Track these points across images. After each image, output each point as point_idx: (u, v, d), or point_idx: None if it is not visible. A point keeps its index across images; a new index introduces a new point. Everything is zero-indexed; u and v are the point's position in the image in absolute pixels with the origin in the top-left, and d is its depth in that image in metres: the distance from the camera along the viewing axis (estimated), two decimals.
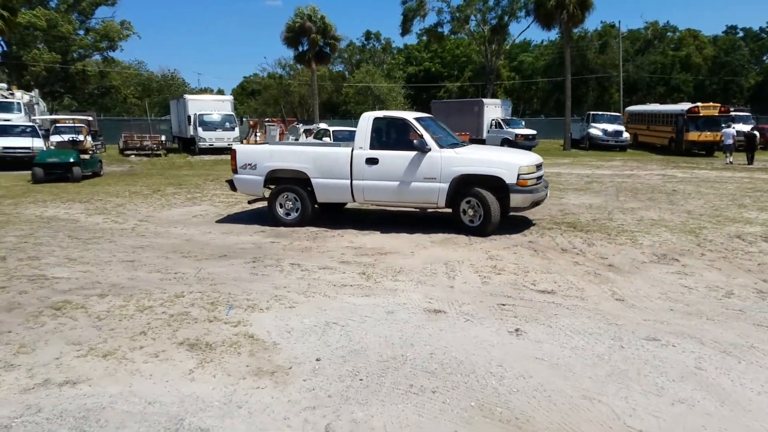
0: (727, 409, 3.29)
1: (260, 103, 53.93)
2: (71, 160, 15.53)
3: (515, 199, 8.10)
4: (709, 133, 25.57)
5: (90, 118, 22.67)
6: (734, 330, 4.51)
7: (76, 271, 6.30)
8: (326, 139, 19.65)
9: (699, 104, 27.13)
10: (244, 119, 37.05)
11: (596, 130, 30.46)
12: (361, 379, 3.66)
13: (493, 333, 4.46)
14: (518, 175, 8.07)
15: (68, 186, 14.59)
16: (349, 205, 10.28)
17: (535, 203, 8.49)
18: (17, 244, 7.69)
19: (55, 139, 17.95)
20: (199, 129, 26.02)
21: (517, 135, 29.74)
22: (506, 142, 29.99)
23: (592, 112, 33.40)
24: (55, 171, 15.40)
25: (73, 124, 19.77)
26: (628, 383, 3.63)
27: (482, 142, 31.40)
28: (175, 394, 3.48)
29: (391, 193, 8.62)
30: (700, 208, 10.66)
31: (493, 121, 31.70)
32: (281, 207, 9.10)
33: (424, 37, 53.68)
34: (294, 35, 35.11)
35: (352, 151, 8.70)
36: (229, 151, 27.36)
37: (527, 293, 5.50)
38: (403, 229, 8.70)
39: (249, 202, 10.07)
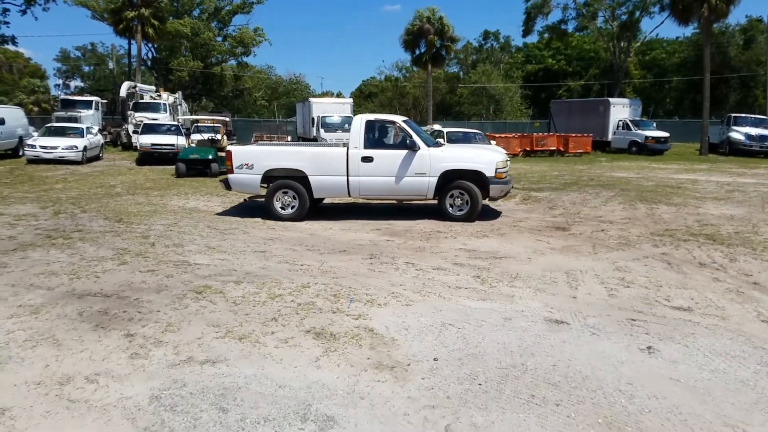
0: None
1: (376, 106, 55.24)
2: (210, 157, 16.97)
3: (494, 190, 9.57)
4: None
5: (227, 119, 24.59)
6: None
7: (214, 258, 6.89)
8: (440, 141, 19.64)
9: None
10: None
11: (738, 134, 27.55)
12: (480, 384, 3.64)
13: (622, 349, 4.22)
14: (496, 169, 9.49)
15: (207, 180, 15.93)
16: (327, 200, 11.48)
17: (507, 192, 10.06)
18: (164, 231, 8.55)
19: (195, 137, 19.64)
20: (321, 130, 27.21)
21: (647, 137, 27.77)
22: (635, 145, 28.14)
23: (733, 115, 30.20)
24: (196, 166, 16.93)
25: (211, 124, 21.55)
26: None
27: (607, 144, 29.71)
28: (303, 380, 3.69)
29: (386, 188, 9.62)
30: None
31: (621, 122, 29.77)
32: (279, 202, 9.67)
33: (546, 35, 51.82)
34: (412, 38, 35.52)
35: (348, 150, 9.51)
36: None
37: (660, 309, 5.13)
38: (517, 233, 8.51)
39: (245, 200, 10.75)
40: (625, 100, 33.24)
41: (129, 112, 26.78)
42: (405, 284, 5.82)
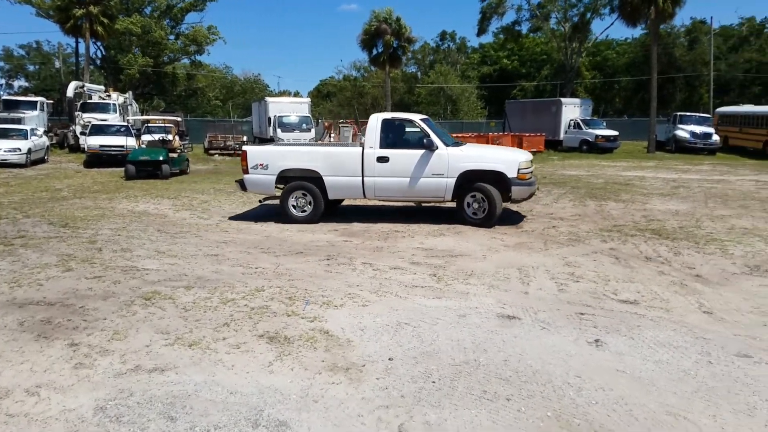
0: None
1: (335, 105, 55.06)
2: (161, 158, 16.53)
3: (516, 192, 8.94)
4: None
5: (179, 119, 24.00)
6: None
7: (164, 263, 6.71)
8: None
9: None
10: (319, 121, 38.02)
11: (683, 132, 28.73)
12: (434, 382, 3.67)
13: (571, 342, 4.33)
14: (518, 169, 8.87)
15: (157, 183, 15.53)
16: (345, 202, 10.99)
17: (531, 195, 9.40)
18: (111, 236, 8.28)
19: (146, 138, 19.13)
20: (278, 130, 26.92)
21: (597, 136, 28.64)
22: (585, 144, 28.95)
23: (679, 113, 31.48)
24: (146, 168, 16.46)
25: (162, 124, 21.02)
26: (717, 401, 3.41)
27: (559, 143, 30.45)
28: (255, 386, 3.63)
29: (402, 189, 9.22)
30: None
31: (572, 122, 30.61)
32: (294, 204, 9.45)
33: (501, 36, 52.73)
34: (369, 38, 35.53)
35: (363, 150, 9.20)
36: None
37: (608, 303, 5.29)
38: (473, 231, 8.62)
39: (260, 201, 10.45)
40: (577, 100, 34.16)
41: (76, 113, 25.79)
42: (362, 285, 5.81)
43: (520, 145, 27.91)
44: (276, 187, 9.65)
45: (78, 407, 3.36)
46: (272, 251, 7.39)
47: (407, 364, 3.93)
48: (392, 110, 40.06)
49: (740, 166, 21.06)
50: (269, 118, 27.85)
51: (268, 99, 29.86)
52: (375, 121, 9.42)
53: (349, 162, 9.28)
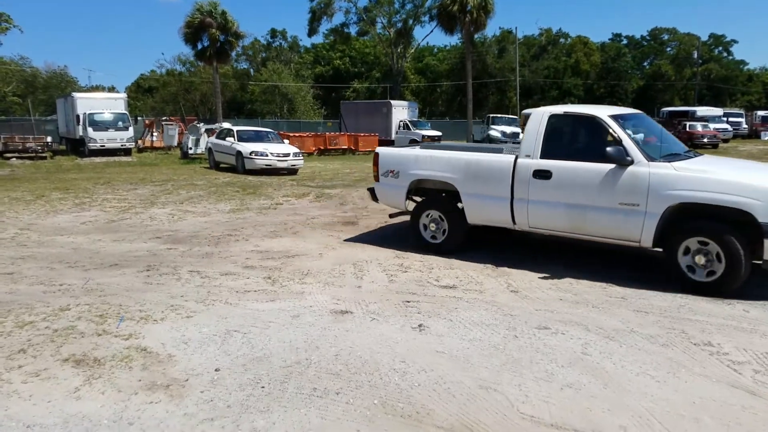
0: (610, 391, 3.55)
1: (158, 101, 51.29)
2: None
3: None
4: None
5: None
6: (616, 316, 4.87)
7: None
8: (229, 139, 19.12)
9: None
10: (138, 118, 35.12)
11: (495, 131, 32.02)
12: (263, 387, 3.58)
13: (397, 330, 4.53)
14: None
15: None
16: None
17: None
18: None
19: None
20: (89, 129, 24.37)
21: (423, 136, 30.59)
22: (414, 143, 30.72)
23: (491, 115, 35.07)
24: None
25: None
26: (522, 371, 3.81)
27: (391, 143, 31.89)
28: (59, 415, 3.22)
29: (568, 220, 6.29)
30: None
31: (401, 123, 32.33)
32: (425, 227, 7.40)
33: (332, 37, 53.69)
34: (193, 31, 33.58)
35: (516, 159, 6.62)
36: (122, 152, 25.74)
37: (431, 289, 5.64)
38: (309, 230, 8.63)
39: (390, 216, 8.48)
40: (405, 103, 36.15)
41: None
42: (187, 295, 5.45)
43: (357, 145, 28.71)
44: (411, 200, 7.65)
45: None
46: (81, 265, 6.61)
47: (235, 373, 3.78)
48: (224, 108, 38.44)
49: None
50: (78, 116, 25.03)
51: (76, 95, 26.72)
52: (539, 116, 6.58)
53: (496, 175, 6.68)
